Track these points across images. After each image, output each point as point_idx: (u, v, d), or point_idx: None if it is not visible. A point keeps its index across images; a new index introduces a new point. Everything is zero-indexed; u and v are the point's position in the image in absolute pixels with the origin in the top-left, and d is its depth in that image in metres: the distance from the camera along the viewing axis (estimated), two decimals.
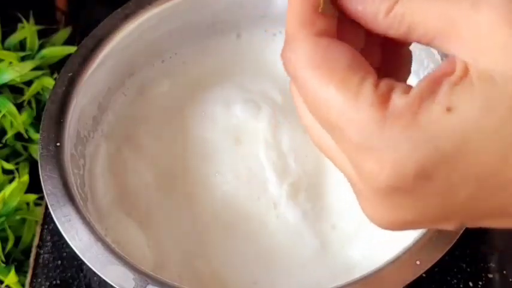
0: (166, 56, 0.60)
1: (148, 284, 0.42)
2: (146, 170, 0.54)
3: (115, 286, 0.42)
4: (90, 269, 0.43)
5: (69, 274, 0.56)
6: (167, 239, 0.51)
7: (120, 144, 0.55)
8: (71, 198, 0.46)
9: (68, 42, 0.67)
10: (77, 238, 0.44)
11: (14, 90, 0.63)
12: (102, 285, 0.53)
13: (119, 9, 0.56)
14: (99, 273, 0.43)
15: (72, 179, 0.47)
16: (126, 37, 0.55)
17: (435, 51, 0.53)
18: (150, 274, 0.43)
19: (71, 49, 0.63)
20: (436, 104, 0.25)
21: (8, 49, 0.64)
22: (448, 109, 0.25)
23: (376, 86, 0.26)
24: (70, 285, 0.55)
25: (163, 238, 0.51)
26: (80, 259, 0.43)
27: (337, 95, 0.26)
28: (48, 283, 0.55)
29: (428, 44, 0.26)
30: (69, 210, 0.45)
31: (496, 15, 0.24)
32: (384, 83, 0.26)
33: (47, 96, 0.53)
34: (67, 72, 0.52)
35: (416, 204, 0.26)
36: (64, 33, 0.67)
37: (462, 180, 0.25)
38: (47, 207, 0.57)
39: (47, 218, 0.58)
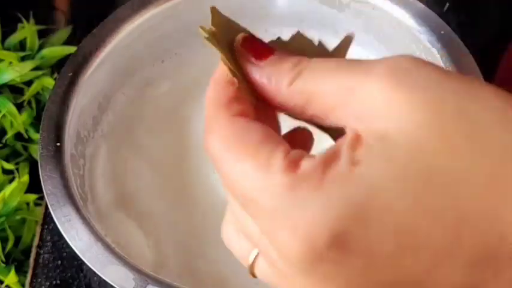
0: (166, 56, 0.60)
1: (148, 284, 0.42)
2: (146, 170, 0.54)
3: (115, 286, 0.42)
4: (90, 269, 0.43)
5: (69, 274, 0.56)
6: (167, 239, 0.51)
7: (120, 144, 0.55)
8: (71, 198, 0.46)
9: (68, 42, 0.67)
10: (77, 238, 0.44)
11: (14, 90, 0.63)
12: (102, 285, 0.53)
13: (119, 9, 0.56)
14: (99, 273, 0.43)
15: (72, 179, 0.47)
16: (126, 37, 0.55)
17: (435, 51, 0.53)
18: (150, 274, 0.43)
19: (71, 49, 0.63)
20: (342, 161, 0.26)
21: (8, 49, 0.64)
22: (353, 163, 0.26)
23: (287, 154, 0.27)
24: (70, 285, 0.55)
25: (163, 238, 0.51)
26: (80, 259, 0.43)
27: (250, 167, 0.27)
28: (48, 283, 0.55)
29: (324, 118, 0.28)
30: (69, 210, 0.45)
31: (383, 83, 0.26)
32: (294, 152, 0.27)
33: (47, 96, 0.53)
34: (67, 72, 0.52)
35: (338, 273, 0.26)
36: (64, 33, 0.67)
37: (379, 235, 0.25)
38: (47, 207, 0.57)
39: (47, 218, 0.58)
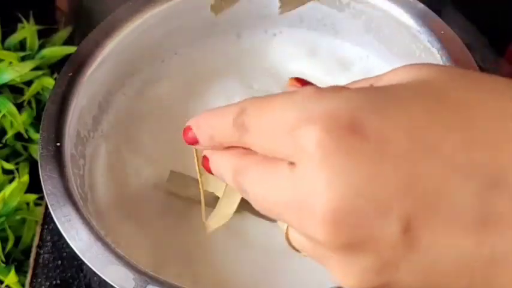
0: (166, 56, 0.60)
1: (148, 284, 0.42)
2: (146, 170, 0.54)
3: (115, 286, 0.42)
4: (90, 269, 0.43)
5: (69, 274, 0.56)
6: (167, 239, 0.51)
7: (120, 144, 0.55)
8: (71, 198, 0.46)
9: (68, 42, 0.67)
10: (77, 238, 0.44)
11: (14, 90, 0.63)
12: (102, 285, 0.53)
13: (119, 9, 0.56)
14: (99, 273, 0.43)
15: (72, 179, 0.47)
16: (126, 37, 0.55)
17: (435, 51, 0.53)
18: (150, 274, 0.43)
19: (71, 49, 0.63)
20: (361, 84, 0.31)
21: (8, 49, 0.64)
22: (371, 85, 0.29)
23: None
24: (70, 285, 0.55)
25: (163, 238, 0.51)
26: (80, 259, 0.43)
27: (280, 99, 0.30)
28: (48, 283, 0.55)
29: None
30: (69, 210, 0.45)
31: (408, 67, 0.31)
32: None
33: (47, 96, 0.53)
34: (67, 72, 0.52)
35: (353, 162, 0.27)
36: (64, 33, 0.67)
37: (393, 130, 0.27)
38: (47, 207, 0.57)
39: (47, 218, 0.58)
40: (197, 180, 0.41)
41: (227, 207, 0.39)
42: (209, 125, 0.34)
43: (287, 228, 0.32)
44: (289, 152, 0.28)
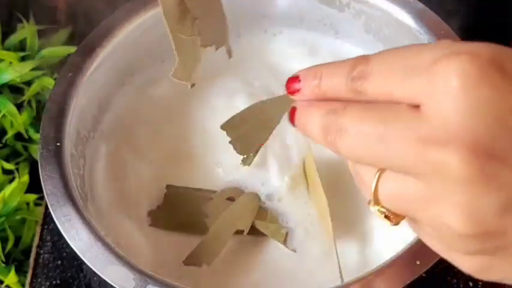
0: (166, 56, 0.60)
1: (148, 284, 0.42)
2: (146, 170, 0.54)
3: (115, 286, 0.42)
4: (90, 269, 0.43)
5: (69, 274, 0.56)
6: (167, 239, 0.51)
7: (120, 144, 0.55)
8: (71, 198, 0.46)
9: (68, 42, 0.67)
10: (77, 238, 0.44)
11: (14, 90, 0.63)
12: (102, 285, 0.53)
13: (119, 9, 0.56)
14: (99, 273, 0.43)
15: (72, 179, 0.47)
16: (126, 37, 0.55)
17: None
18: (150, 274, 0.43)
19: (71, 49, 0.63)
20: None
21: (8, 49, 0.64)
22: None
23: None
24: (70, 285, 0.55)
25: (163, 238, 0.51)
26: (80, 259, 0.43)
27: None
28: (48, 283, 0.55)
29: None
30: (69, 210, 0.45)
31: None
32: None
33: (47, 96, 0.53)
34: (67, 72, 0.52)
35: (497, 95, 0.27)
36: (64, 33, 0.67)
37: None
38: (47, 207, 0.57)
39: (47, 218, 0.58)
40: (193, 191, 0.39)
41: None
42: (319, 74, 0.32)
43: (376, 184, 0.30)
44: (419, 90, 0.28)
